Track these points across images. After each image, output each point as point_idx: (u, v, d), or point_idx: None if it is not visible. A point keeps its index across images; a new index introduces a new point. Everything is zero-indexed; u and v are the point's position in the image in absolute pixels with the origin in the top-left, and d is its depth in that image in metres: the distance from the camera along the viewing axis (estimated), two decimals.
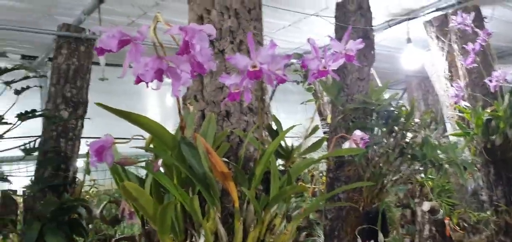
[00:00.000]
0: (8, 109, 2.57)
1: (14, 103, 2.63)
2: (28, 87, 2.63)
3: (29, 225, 2.52)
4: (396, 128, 2.64)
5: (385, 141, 2.68)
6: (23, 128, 2.57)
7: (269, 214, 1.49)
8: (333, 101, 2.89)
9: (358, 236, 2.52)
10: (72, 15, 3.35)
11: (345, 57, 1.48)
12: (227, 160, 1.46)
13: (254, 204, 1.41)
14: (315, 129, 1.93)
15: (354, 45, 1.50)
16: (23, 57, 4.30)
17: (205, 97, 1.70)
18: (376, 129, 2.69)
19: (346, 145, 1.64)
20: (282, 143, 1.94)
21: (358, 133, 1.62)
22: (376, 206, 2.60)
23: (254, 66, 1.16)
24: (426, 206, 3.35)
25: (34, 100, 4.12)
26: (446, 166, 2.68)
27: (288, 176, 1.52)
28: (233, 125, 1.65)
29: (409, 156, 2.62)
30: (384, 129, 2.64)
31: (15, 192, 2.76)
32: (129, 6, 3.40)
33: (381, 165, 2.62)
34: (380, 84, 4.70)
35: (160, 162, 1.10)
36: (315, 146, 1.97)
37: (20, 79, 2.57)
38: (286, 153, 1.92)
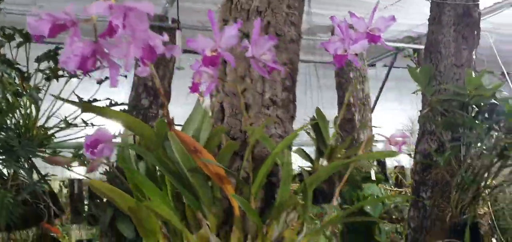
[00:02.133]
0: (91, 97, 2.68)
1: (96, 91, 2.75)
2: (107, 78, 2.71)
3: (103, 211, 2.61)
4: (495, 126, 2.16)
5: (485, 141, 2.22)
6: None
7: (276, 226, 1.27)
8: (422, 92, 2.48)
9: None
10: (159, 3, 3.40)
11: (367, 37, 1.18)
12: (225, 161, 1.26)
13: (249, 215, 1.20)
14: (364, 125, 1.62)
15: (382, 22, 1.19)
16: None
17: (225, 88, 1.52)
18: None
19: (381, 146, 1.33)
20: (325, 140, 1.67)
21: (396, 133, 1.30)
22: (466, 217, 2.16)
23: (214, 51, 0.95)
24: None
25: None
26: None
27: (303, 184, 1.28)
28: (251, 120, 1.45)
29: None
30: (483, 126, 2.18)
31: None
32: None
33: (475, 169, 2.17)
34: (509, 79, 4.02)
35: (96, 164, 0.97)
36: (366, 145, 1.66)
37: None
38: (328, 152, 1.65)
